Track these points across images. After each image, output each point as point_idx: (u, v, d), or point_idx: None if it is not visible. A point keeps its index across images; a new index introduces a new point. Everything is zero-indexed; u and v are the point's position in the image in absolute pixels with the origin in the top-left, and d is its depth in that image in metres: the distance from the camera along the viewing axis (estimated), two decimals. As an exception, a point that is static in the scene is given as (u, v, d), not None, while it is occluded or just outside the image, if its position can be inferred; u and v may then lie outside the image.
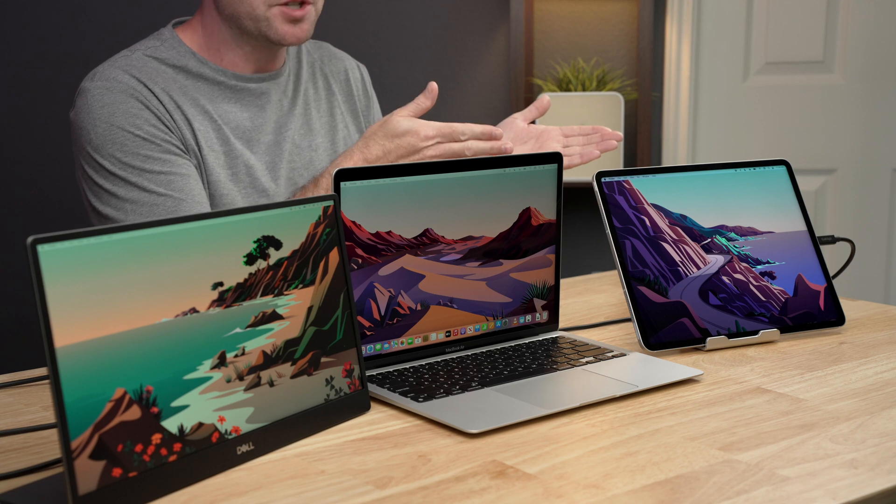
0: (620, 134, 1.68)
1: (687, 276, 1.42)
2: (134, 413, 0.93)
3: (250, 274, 1.04)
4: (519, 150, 1.70)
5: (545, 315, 1.43)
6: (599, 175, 1.43)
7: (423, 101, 1.57)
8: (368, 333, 1.26)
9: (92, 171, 1.54)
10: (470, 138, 1.53)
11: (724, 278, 1.44)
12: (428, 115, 1.60)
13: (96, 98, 1.53)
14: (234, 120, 1.63)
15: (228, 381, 1.01)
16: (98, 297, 0.91)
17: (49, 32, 2.74)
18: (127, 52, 1.62)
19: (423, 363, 1.30)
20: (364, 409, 1.16)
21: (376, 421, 1.14)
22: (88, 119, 1.53)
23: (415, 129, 1.53)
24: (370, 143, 1.56)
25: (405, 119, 1.55)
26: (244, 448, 1.02)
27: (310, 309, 1.11)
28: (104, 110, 1.53)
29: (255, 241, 1.05)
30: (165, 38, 1.64)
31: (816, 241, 1.53)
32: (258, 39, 1.61)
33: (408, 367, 1.28)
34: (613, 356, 1.33)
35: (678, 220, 1.45)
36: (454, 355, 1.33)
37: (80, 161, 1.56)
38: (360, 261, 1.24)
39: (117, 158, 1.52)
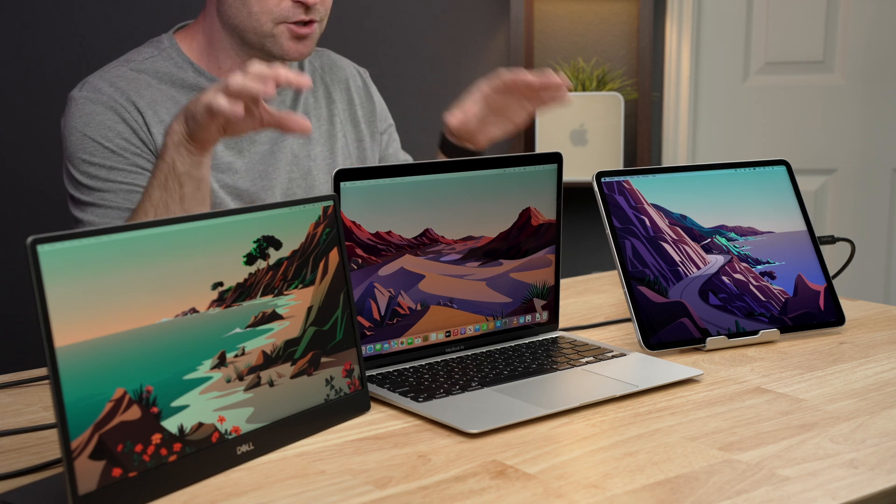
0: (570, 83, 1.60)
1: (687, 276, 1.42)
2: (134, 413, 0.93)
3: (250, 274, 1.04)
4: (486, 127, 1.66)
5: (545, 315, 1.43)
6: (599, 175, 1.43)
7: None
8: (368, 333, 1.26)
9: (67, 177, 1.57)
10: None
11: (724, 278, 1.44)
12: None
13: (77, 107, 1.56)
14: None
15: (228, 381, 1.01)
16: (98, 297, 0.91)
17: (49, 32, 2.74)
18: (120, 62, 1.62)
19: (423, 363, 1.30)
20: (364, 409, 1.16)
21: (376, 421, 1.14)
22: (67, 127, 1.56)
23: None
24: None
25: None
26: (244, 448, 1.02)
27: (310, 309, 1.11)
28: (80, 120, 1.55)
29: (254, 241, 1.05)
30: (164, 46, 1.63)
31: (816, 241, 1.53)
32: (260, 53, 1.60)
33: (408, 367, 1.28)
34: (613, 356, 1.33)
35: (678, 220, 1.45)
36: (454, 355, 1.33)
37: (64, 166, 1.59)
38: (360, 261, 1.24)
39: (85, 168, 1.54)
